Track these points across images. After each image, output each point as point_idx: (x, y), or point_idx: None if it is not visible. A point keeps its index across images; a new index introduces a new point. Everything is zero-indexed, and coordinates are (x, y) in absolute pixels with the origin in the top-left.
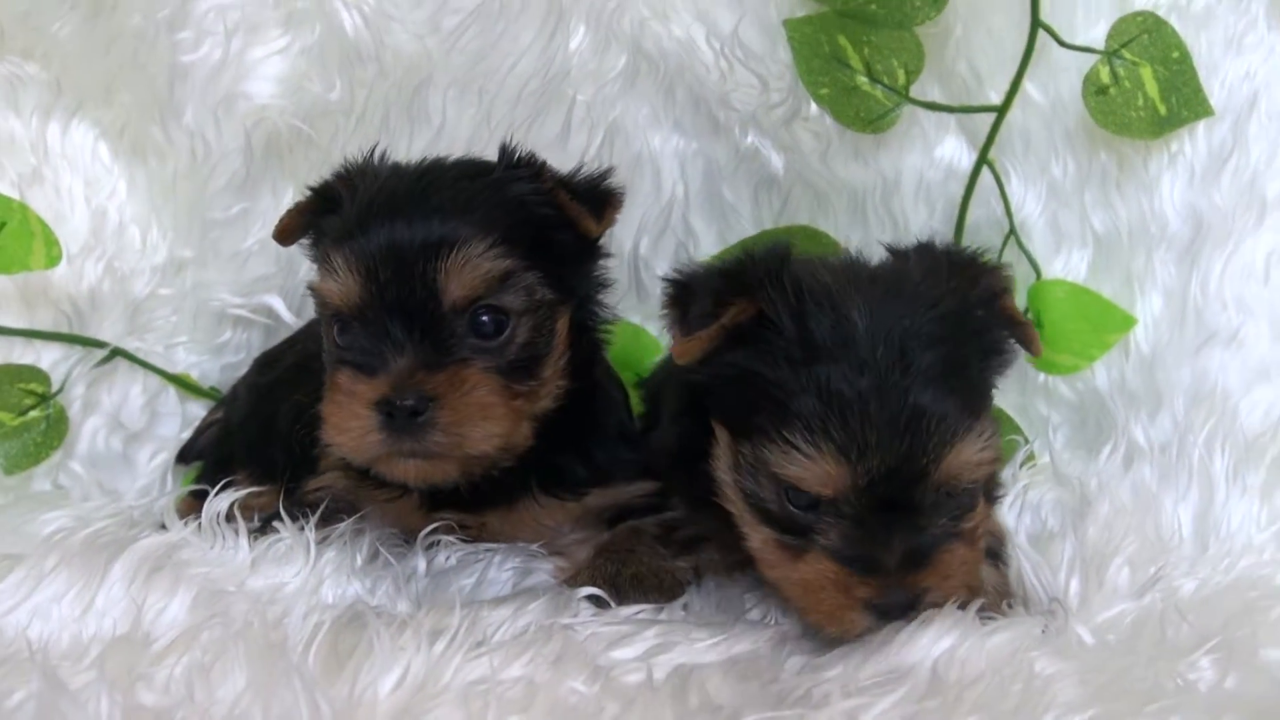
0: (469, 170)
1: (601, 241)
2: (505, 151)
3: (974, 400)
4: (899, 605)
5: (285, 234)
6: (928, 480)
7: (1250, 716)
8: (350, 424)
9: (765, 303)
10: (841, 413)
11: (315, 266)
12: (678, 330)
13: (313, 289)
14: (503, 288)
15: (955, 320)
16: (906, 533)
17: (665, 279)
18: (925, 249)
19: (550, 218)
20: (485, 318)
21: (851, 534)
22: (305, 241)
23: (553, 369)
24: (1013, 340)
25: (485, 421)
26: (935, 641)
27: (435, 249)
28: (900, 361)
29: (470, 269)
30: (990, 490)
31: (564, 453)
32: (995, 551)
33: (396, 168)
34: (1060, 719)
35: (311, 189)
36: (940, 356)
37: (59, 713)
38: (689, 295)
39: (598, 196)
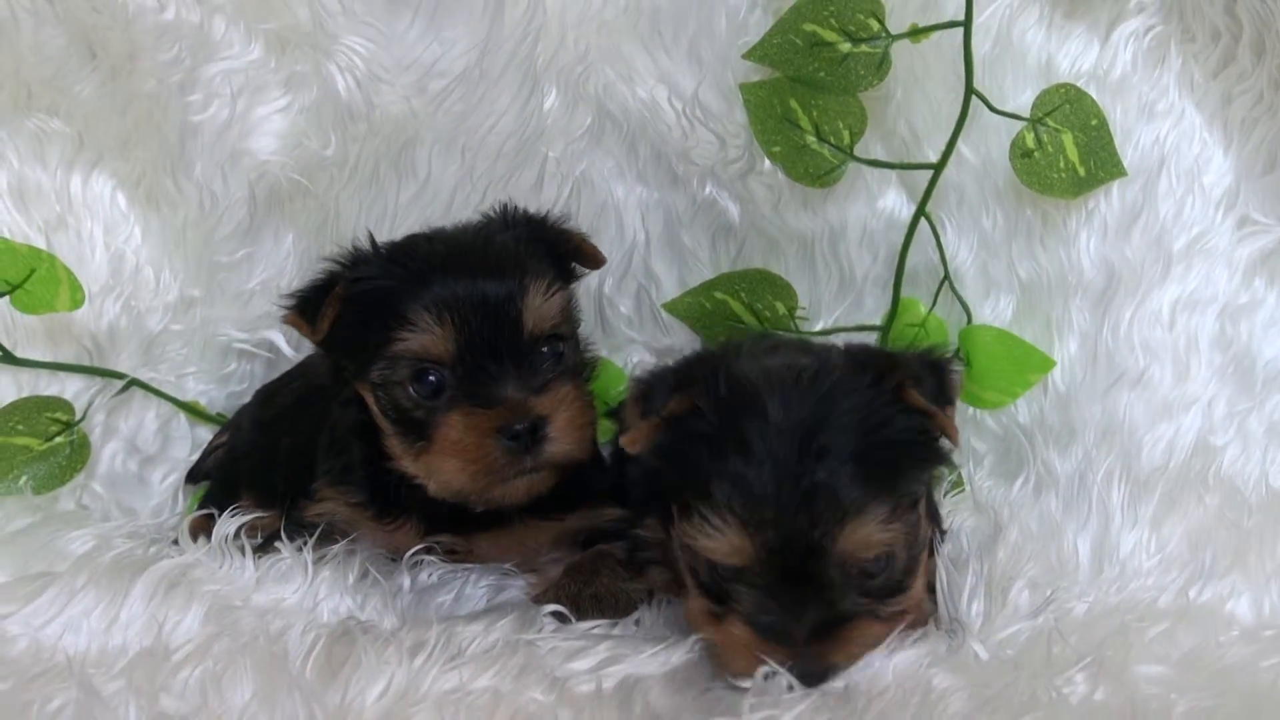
0: (494, 229)
1: None
2: (506, 210)
3: (878, 484)
4: (808, 675)
5: (328, 323)
6: (828, 556)
7: None
8: (477, 455)
9: (698, 397)
10: (745, 491)
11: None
12: (620, 426)
13: (395, 353)
14: (562, 317)
15: (863, 412)
16: (817, 607)
17: (631, 379)
18: (852, 348)
19: (567, 256)
20: (547, 346)
21: (763, 603)
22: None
23: (586, 380)
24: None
25: (585, 428)
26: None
27: (512, 293)
28: (803, 448)
29: (543, 305)
30: (931, 545)
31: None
32: (931, 585)
33: (430, 237)
34: None
35: (350, 279)
36: (842, 444)
37: (93, 718)
38: (649, 392)
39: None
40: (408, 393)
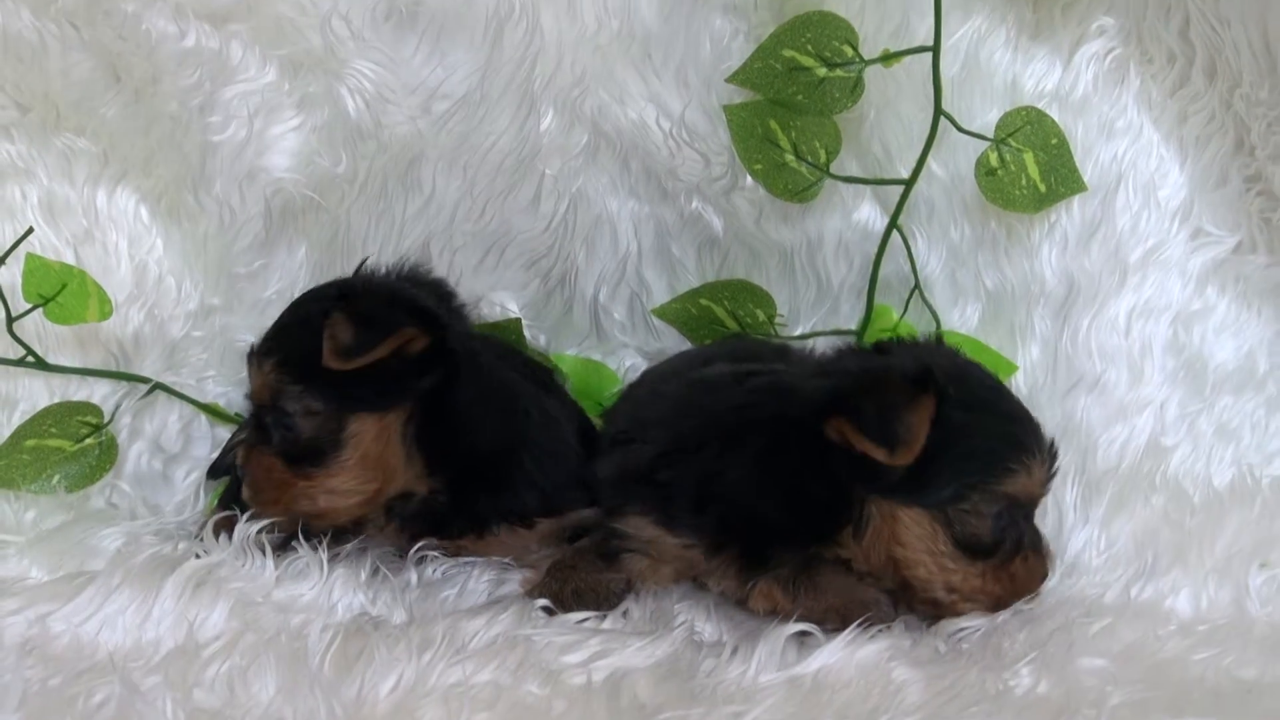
0: (320, 294)
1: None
2: (352, 278)
3: None
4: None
5: None
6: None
7: (1043, 716)
8: None
9: (942, 397)
10: (1034, 435)
11: None
12: (875, 442)
13: None
14: (281, 396)
15: None
16: None
17: (843, 413)
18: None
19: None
20: (272, 415)
21: (1032, 526)
22: None
23: (350, 463)
24: None
25: (264, 490)
26: (821, 653)
27: (257, 357)
28: (1020, 406)
29: (262, 378)
30: None
31: (495, 497)
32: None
33: (333, 283)
34: (896, 718)
35: None
36: None
37: (136, 713)
38: (865, 408)
39: (371, 328)
40: None
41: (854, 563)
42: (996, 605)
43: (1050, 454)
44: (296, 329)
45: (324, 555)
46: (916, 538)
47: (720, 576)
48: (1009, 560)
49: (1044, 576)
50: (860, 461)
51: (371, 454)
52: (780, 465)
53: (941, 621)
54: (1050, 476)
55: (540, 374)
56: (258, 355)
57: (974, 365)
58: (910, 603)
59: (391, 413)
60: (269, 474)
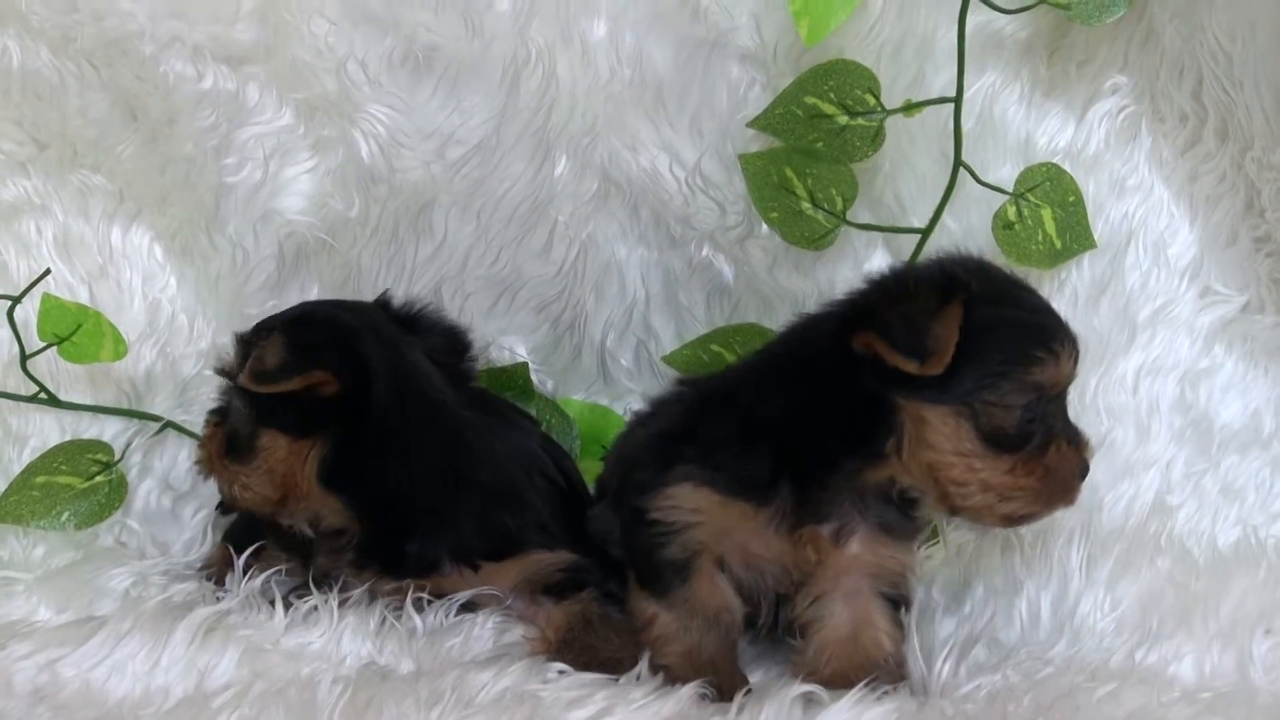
0: (320, 308)
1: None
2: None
3: None
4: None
5: None
6: None
7: None
8: None
9: (968, 300)
10: (1059, 324)
11: None
12: (905, 355)
13: None
14: (232, 383)
15: None
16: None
17: (870, 327)
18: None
19: None
20: (228, 397)
21: (1065, 418)
22: None
23: (261, 470)
24: None
25: (205, 461)
26: (827, 714)
27: (237, 339)
28: (1042, 299)
29: (233, 361)
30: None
31: (427, 539)
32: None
33: None
34: None
35: None
36: None
37: None
38: (892, 320)
39: (296, 360)
40: None
41: (898, 478)
42: (1039, 500)
43: (1074, 343)
44: (261, 331)
45: (334, 602)
46: (943, 437)
47: (773, 532)
48: (1041, 453)
49: (1080, 466)
50: (889, 370)
51: (279, 471)
52: (816, 384)
53: (947, 682)
54: (1075, 365)
55: (508, 415)
56: (238, 338)
57: (993, 264)
58: (962, 515)
59: (303, 441)
60: (208, 447)
